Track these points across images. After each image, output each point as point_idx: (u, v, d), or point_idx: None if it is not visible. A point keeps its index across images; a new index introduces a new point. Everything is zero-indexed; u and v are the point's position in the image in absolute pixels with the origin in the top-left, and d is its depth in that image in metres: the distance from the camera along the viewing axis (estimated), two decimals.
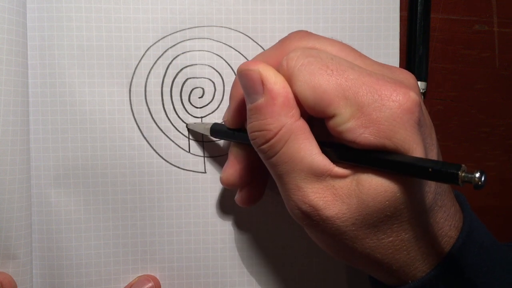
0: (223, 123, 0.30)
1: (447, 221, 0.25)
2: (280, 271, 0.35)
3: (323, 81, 0.23)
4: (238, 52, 0.34)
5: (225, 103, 0.34)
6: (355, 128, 0.22)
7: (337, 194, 0.23)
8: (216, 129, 0.31)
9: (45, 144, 0.33)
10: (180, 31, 0.33)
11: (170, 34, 0.33)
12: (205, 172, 0.34)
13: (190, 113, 0.34)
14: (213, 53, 0.34)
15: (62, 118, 0.33)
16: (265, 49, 0.34)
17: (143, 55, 0.33)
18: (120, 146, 0.33)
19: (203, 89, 0.34)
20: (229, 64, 0.34)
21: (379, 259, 0.24)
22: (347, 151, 0.24)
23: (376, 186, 0.23)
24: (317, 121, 0.25)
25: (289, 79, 0.24)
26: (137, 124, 0.33)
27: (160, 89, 0.33)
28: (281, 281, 0.35)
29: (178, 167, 0.34)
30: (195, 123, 0.33)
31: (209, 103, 0.34)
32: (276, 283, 0.35)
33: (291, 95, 0.24)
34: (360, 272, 0.36)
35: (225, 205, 0.34)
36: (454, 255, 0.25)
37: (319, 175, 0.24)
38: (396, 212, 0.23)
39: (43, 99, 0.32)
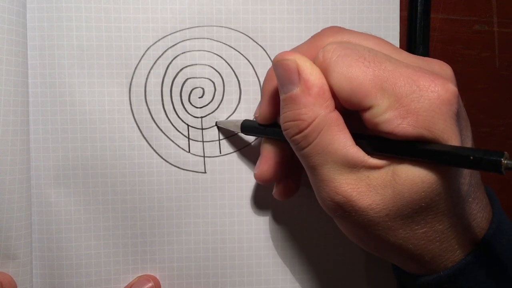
0: (254, 119, 0.31)
1: (479, 212, 0.25)
2: (280, 271, 0.35)
3: (360, 72, 0.23)
4: (238, 52, 0.34)
5: (225, 103, 0.34)
6: (393, 119, 0.22)
7: (371, 185, 0.23)
8: (247, 126, 0.31)
9: (45, 144, 0.33)
10: (180, 31, 0.33)
11: (170, 34, 0.33)
12: (205, 172, 0.34)
13: (190, 113, 0.34)
14: (213, 53, 0.34)
15: (62, 118, 0.33)
16: (265, 49, 0.34)
17: (143, 55, 0.33)
18: (120, 146, 0.33)
19: (203, 89, 0.34)
20: (229, 64, 0.34)
21: (412, 250, 0.24)
22: (383, 143, 0.23)
23: (413, 177, 0.23)
24: (351, 114, 0.25)
25: (325, 71, 0.24)
26: (137, 124, 0.33)
27: (160, 89, 0.33)
28: (282, 281, 0.35)
29: (178, 167, 0.34)
30: (225, 120, 0.34)
31: (209, 103, 0.34)
32: (276, 283, 0.35)
33: (326, 87, 0.24)
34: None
35: (225, 205, 0.34)
36: (485, 244, 0.25)
37: (353, 166, 0.23)
38: (432, 203, 0.23)
39: (43, 99, 0.32)
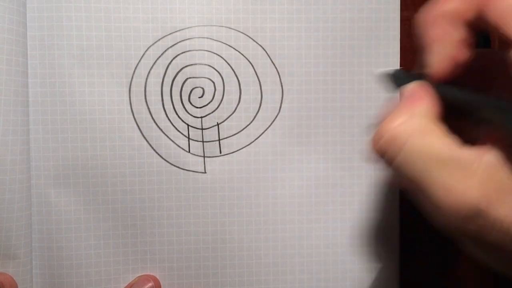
0: (424, 75, 0.23)
1: None
2: (280, 271, 0.35)
3: None
4: (238, 51, 0.34)
5: (225, 103, 0.34)
6: None
7: (499, 183, 0.19)
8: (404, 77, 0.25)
9: (45, 144, 0.33)
10: (180, 30, 0.33)
11: (170, 34, 0.33)
12: (205, 172, 0.34)
13: (190, 113, 0.34)
14: (213, 52, 0.34)
15: (62, 118, 0.33)
16: (265, 49, 0.34)
17: (143, 55, 0.33)
18: (120, 146, 0.33)
19: (203, 88, 0.34)
20: (229, 64, 0.34)
21: None
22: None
23: None
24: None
25: None
26: (137, 124, 0.33)
27: (160, 89, 0.33)
28: (282, 281, 0.35)
29: (178, 167, 0.34)
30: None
31: (209, 103, 0.34)
32: (276, 283, 0.35)
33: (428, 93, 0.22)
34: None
35: (225, 205, 0.34)
36: None
37: (468, 166, 0.19)
38: None
39: (43, 99, 0.32)
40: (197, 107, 0.34)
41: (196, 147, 0.34)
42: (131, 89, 0.33)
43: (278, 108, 0.34)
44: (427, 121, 0.21)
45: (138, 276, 0.34)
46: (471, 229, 0.19)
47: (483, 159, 0.19)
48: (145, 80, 0.33)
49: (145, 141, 0.33)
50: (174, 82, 0.34)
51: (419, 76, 0.24)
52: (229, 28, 0.34)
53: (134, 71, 0.33)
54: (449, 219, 0.20)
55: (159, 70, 0.33)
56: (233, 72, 0.34)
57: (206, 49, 0.34)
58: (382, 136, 0.21)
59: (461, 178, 0.19)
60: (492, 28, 0.20)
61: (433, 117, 0.21)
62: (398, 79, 0.25)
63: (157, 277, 0.34)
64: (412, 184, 0.20)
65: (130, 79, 0.33)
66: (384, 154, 0.21)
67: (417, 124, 0.21)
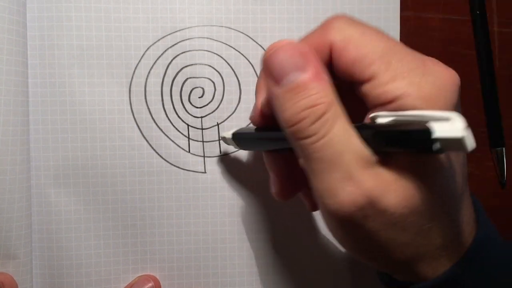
0: (250, 121, 0.28)
1: (468, 208, 0.24)
2: (280, 271, 0.35)
3: (369, 41, 0.23)
4: (238, 52, 0.34)
5: (225, 103, 0.34)
6: (394, 90, 0.22)
7: (389, 180, 0.21)
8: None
9: (45, 144, 0.33)
10: (180, 30, 0.33)
11: (170, 34, 0.33)
12: (205, 172, 0.34)
13: (190, 113, 0.34)
14: (213, 52, 0.34)
15: (62, 118, 0.33)
16: (265, 49, 0.34)
17: (143, 55, 0.33)
18: (120, 146, 0.33)
19: (203, 88, 0.34)
20: (229, 64, 0.34)
21: (423, 249, 0.23)
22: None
23: (412, 169, 0.21)
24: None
25: (332, 33, 0.23)
26: (137, 124, 0.33)
27: (160, 89, 0.33)
28: (282, 281, 0.35)
29: (178, 167, 0.34)
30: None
31: (209, 103, 0.34)
32: (276, 283, 0.35)
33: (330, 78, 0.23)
34: (365, 275, 0.36)
35: (225, 205, 0.34)
36: (477, 247, 0.24)
37: (368, 161, 0.21)
38: (437, 195, 0.22)
39: (43, 99, 0.32)
40: (197, 107, 0.34)
41: (196, 147, 0.34)
42: (131, 89, 0.33)
43: None
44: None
45: (138, 276, 0.34)
46: (358, 217, 0.21)
47: (378, 159, 0.21)
48: (145, 80, 0.33)
49: (145, 141, 0.33)
50: (174, 82, 0.34)
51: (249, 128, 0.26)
52: (229, 28, 0.34)
53: (134, 71, 0.33)
54: (343, 207, 0.22)
55: (159, 70, 0.33)
56: (233, 72, 0.34)
57: (206, 49, 0.34)
58: (318, 116, 0.22)
59: (363, 169, 0.21)
60: (341, 74, 0.23)
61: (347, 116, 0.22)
62: (239, 139, 0.29)
63: (157, 277, 0.34)
64: (322, 167, 0.22)
65: (130, 79, 0.33)
66: (314, 135, 0.22)
67: (340, 106, 0.22)
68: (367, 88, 0.22)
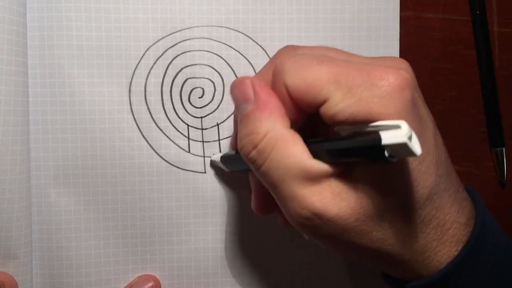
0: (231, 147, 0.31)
1: (453, 206, 0.25)
2: (281, 271, 0.35)
3: (314, 69, 0.24)
4: (238, 52, 0.34)
5: (225, 103, 0.34)
6: (346, 108, 0.23)
7: (335, 193, 0.23)
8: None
9: (45, 144, 0.33)
10: (180, 31, 0.33)
11: (170, 34, 0.33)
12: (205, 172, 0.34)
13: (190, 113, 0.34)
14: (213, 53, 0.34)
15: (62, 118, 0.33)
16: (265, 49, 0.34)
17: (143, 55, 0.33)
18: (120, 146, 0.33)
19: (203, 89, 0.34)
20: (229, 64, 0.34)
21: (390, 250, 0.24)
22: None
23: (371, 174, 0.23)
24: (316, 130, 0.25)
25: (281, 76, 0.24)
26: (137, 124, 0.33)
27: (160, 89, 0.33)
28: (282, 281, 0.35)
29: (178, 167, 0.34)
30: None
31: (209, 103, 0.34)
32: (276, 283, 0.35)
33: (280, 104, 0.25)
34: (363, 276, 0.36)
35: (225, 205, 0.34)
36: (472, 246, 0.24)
37: (313, 178, 0.23)
38: (396, 198, 0.23)
39: (43, 99, 0.32)
40: (197, 107, 0.34)
41: (196, 147, 0.34)
42: (131, 89, 0.33)
43: None
44: (287, 130, 0.24)
45: (138, 276, 0.34)
46: (310, 225, 0.24)
47: (325, 172, 0.23)
48: (145, 80, 0.33)
49: (145, 141, 0.33)
50: (174, 82, 0.34)
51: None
52: (229, 28, 0.34)
53: (134, 71, 0.33)
54: (294, 220, 0.24)
55: (159, 70, 0.33)
56: (233, 72, 0.34)
57: (206, 49, 0.34)
58: (254, 145, 0.24)
59: (306, 187, 0.23)
60: (302, 105, 0.25)
61: (295, 137, 0.24)
62: (225, 162, 0.31)
63: (157, 277, 0.34)
64: (271, 187, 0.25)
65: (130, 79, 0.33)
66: (254, 162, 0.25)
67: (279, 133, 0.24)
68: (323, 111, 0.24)
